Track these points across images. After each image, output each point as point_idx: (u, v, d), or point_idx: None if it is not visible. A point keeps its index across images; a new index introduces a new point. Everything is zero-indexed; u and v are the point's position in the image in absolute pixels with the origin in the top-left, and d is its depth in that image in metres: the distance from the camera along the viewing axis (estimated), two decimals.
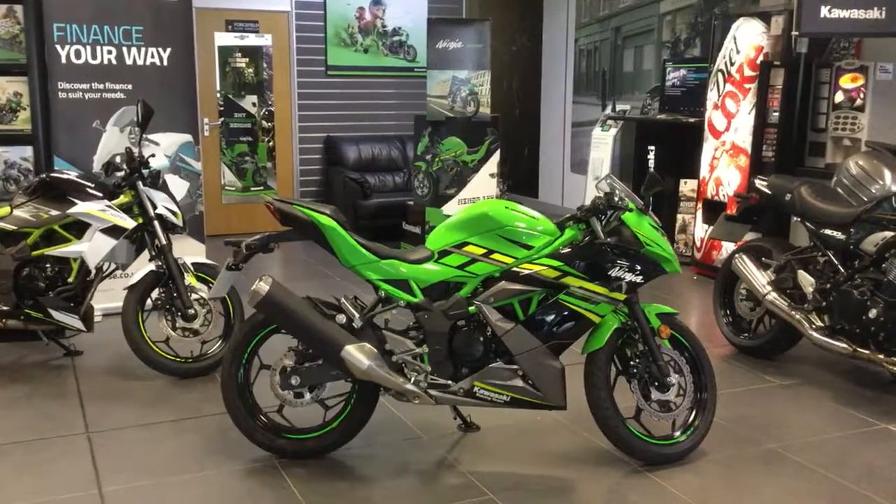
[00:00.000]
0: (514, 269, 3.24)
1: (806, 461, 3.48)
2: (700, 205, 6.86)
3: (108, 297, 4.98)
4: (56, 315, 4.30)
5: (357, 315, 3.27)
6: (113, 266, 4.46)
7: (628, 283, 3.28)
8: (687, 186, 7.16)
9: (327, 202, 8.81)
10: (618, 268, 3.26)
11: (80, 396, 4.11)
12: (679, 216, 7.23)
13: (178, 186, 5.40)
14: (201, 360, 4.36)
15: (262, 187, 8.95)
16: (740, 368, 4.64)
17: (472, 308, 3.26)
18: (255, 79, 8.72)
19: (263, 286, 3.21)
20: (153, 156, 4.42)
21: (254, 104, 8.78)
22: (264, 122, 8.82)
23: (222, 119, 8.63)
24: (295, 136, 8.89)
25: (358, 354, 3.18)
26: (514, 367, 3.25)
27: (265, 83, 8.75)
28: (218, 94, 8.57)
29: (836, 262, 4.30)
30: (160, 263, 4.30)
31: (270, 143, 8.90)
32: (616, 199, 3.26)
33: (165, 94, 5.38)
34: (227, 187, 8.77)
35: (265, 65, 8.72)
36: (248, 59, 8.67)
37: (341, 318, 3.26)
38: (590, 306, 3.27)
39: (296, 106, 8.83)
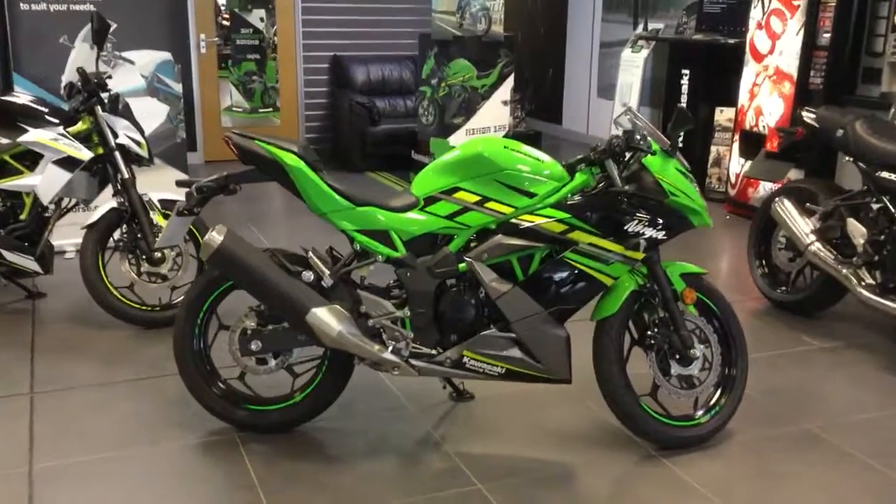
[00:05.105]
0: (513, 220, 2.77)
1: (848, 446, 3.02)
2: (737, 136, 6.39)
3: (78, 234, 4.56)
4: (8, 256, 3.90)
5: (327, 272, 2.80)
6: (73, 201, 4.02)
7: (648, 240, 2.78)
8: (723, 115, 6.70)
9: (333, 128, 8.35)
10: (636, 221, 2.77)
11: (33, 348, 3.72)
12: (713, 148, 6.78)
13: (156, 111, 4.92)
14: (170, 309, 3.94)
15: (270, 109, 8.53)
16: (775, 327, 4.17)
17: (462, 266, 2.80)
18: None
19: (216, 237, 2.77)
20: (110, 77, 3.93)
21: (262, 19, 8.30)
22: (274, 39, 8.26)
23: (219, 36, 8.07)
24: (299, 56, 8.30)
25: (327, 318, 2.74)
26: (511, 334, 2.80)
27: None
28: (222, 8, 8.01)
29: (892, 209, 3.82)
30: (122, 200, 3.86)
31: None
32: (637, 138, 2.74)
33: (142, 6, 4.85)
34: (234, 108, 8.35)
35: None
36: None
37: (308, 276, 2.80)
38: (601, 266, 2.79)
39: (300, 22, 8.20)
